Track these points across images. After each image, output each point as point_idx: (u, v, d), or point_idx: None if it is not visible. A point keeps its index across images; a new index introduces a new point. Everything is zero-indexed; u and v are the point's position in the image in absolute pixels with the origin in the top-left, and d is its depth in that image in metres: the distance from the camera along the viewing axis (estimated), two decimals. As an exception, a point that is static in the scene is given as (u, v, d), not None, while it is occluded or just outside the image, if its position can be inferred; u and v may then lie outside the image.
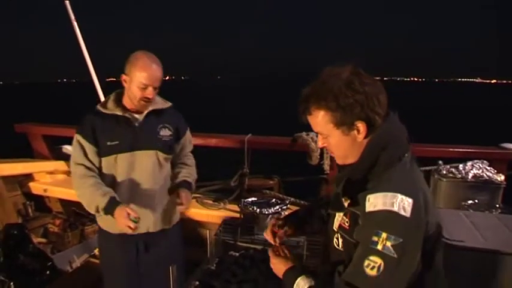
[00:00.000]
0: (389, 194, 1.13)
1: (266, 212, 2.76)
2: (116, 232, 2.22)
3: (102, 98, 5.29)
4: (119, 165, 2.16)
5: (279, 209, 2.79)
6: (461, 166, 2.90)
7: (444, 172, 2.93)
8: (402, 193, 1.12)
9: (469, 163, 2.91)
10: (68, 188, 4.11)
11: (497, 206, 2.75)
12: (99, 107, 2.16)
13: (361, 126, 1.20)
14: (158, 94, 2.22)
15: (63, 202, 4.29)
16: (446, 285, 1.38)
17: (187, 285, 2.15)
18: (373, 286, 1.10)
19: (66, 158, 4.42)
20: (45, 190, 4.17)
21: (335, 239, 1.36)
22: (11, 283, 2.82)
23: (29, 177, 4.23)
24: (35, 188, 4.21)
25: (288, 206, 2.86)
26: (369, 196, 1.17)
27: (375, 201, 1.14)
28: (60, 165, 4.34)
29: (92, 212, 2.12)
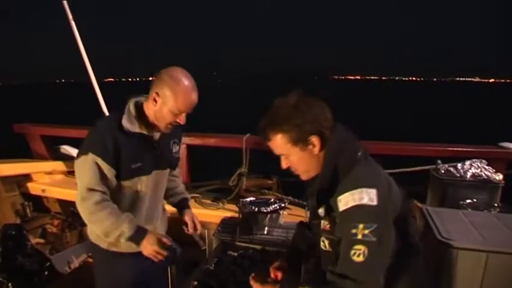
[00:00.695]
0: (356, 190, 1.30)
1: (265, 212, 2.76)
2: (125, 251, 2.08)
3: (101, 99, 5.29)
4: (139, 187, 2.03)
5: (278, 208, 2.79)
6: (459, 165, 2.90)
7: (443, 171, 2.93)
8: (366, 186, 1.30)
9: (468, 162, 2.90)
10: (66, 188, 4.11)
11: (496, 205, 2.75)
12: (125, 123, 1.90)
13: (315, 140, 1.40)
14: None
15: (62, 202, 4.28)
16: (421, 260, 1.51)
17: (186, 285, 2.15)
18: (363, 270, 1.25)
19: (64, 158, 4.42)
20: (43, 190, 4.16)
21: (322, 242, 1.52)
22: (9, 284, 2.81)
23: (27, 177, 4.22)
24: (33, 188, 4.20)
25: (287, 205, 2.85)
26: (339, 198, 1.34)
27: (345, 201, 1.31)
28: (59, 165, 4.33)
29: (109, 239, 1.95)
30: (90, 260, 3.20)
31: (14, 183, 4.15)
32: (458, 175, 2.85)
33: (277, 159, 1.51)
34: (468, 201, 2.77)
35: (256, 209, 2.80)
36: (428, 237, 2.18)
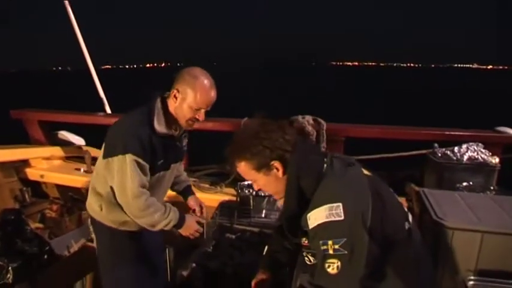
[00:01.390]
0: (322, 207, 1.33)
1: (262, 195, 2.78)
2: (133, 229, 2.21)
3: (99, 86, 5.32)
4: (160, 180, 2.15)
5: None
6: (456, 149, 2.91)
7: (439, 155, 2.94)
8: (331, 202, 1.32)
9: (464, 146, 2.91)
10: (64, 173, 4.11)
11: (492, 188, 2.77)
12: (156, 126, 1.99)
13: (277, 164, 1.45)
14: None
15: (60, 188, 4.29)
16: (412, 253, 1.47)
17: (184, 267, 2.17)
18: (339, 281, 1.29)
19: (62, 143, 4.41)
20: (41, 176, 4.16)
21: (305, 258, 1.61)
22: (9, 267, 2.83)
23: (25, 163, 4.22)
24: (32, 174, 4.20)
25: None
26: (308, 215, 1.37)
27: (313, 218, 1.35)
28: (57, 150, 4.32)
29: (155, 229, 2.09)
30: (90, 244, 3.21)
31: (12, 169, 4.15)
32: (455, 158, 2.86)
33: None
34: (464, 184, 2.79)
35: (254, 192, 2.81)
36: (425, 218, 2.21)
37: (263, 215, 2.75)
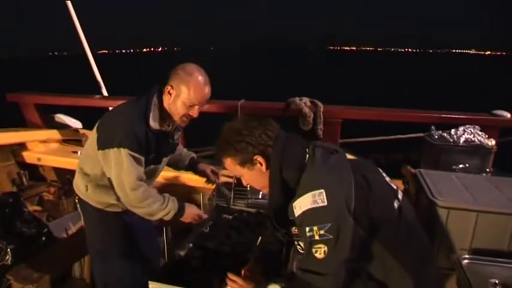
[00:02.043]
0: (305, 195, 1.38)
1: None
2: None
3: (96, 71, 5.31)
4: (150, 174, 2.18)
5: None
6: (453, 131, 2.91)
7: (436, 137, 2.94)
8: (313, 189, 1.36)
9: (461, 128, 2.91)
10: (61, 156, 4.12)
11: (488, 170, 2.78)
12: (151, 122, 2.01)
13: (259, 159, 1.52)
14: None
15: (58, 170, 4.29)
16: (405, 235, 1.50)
17: (181, 248, 2.18)
18: (325, 264, 1.34)
19: (59, 126, 4.40)
20: (39, 159, 4.17)
21: (297, 246, 1.72)
22: (8, 249, 2.85)
23: (22, 146, 4.22)
24: (29, 157, 4.20)
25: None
26: (294, 204, 1.42)
27: (298, 206, 1.40)
28: (54, 133, 4.32)
29: (153, 218, 2.15)
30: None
31: (9, 152, 4.15)
32: (451, 140, 2.86)
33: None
34: (461, 166, 2.79)
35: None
36: (421, 197, 2.22)
37: (260, 196, 2.76)
